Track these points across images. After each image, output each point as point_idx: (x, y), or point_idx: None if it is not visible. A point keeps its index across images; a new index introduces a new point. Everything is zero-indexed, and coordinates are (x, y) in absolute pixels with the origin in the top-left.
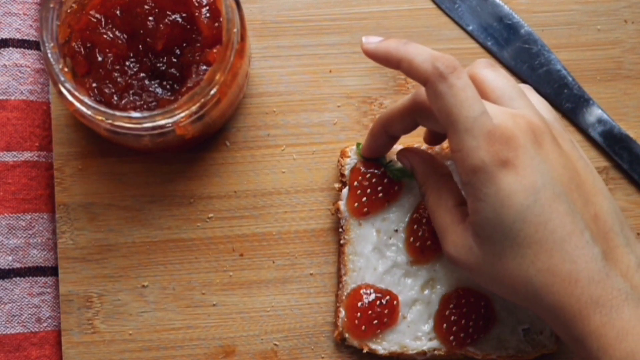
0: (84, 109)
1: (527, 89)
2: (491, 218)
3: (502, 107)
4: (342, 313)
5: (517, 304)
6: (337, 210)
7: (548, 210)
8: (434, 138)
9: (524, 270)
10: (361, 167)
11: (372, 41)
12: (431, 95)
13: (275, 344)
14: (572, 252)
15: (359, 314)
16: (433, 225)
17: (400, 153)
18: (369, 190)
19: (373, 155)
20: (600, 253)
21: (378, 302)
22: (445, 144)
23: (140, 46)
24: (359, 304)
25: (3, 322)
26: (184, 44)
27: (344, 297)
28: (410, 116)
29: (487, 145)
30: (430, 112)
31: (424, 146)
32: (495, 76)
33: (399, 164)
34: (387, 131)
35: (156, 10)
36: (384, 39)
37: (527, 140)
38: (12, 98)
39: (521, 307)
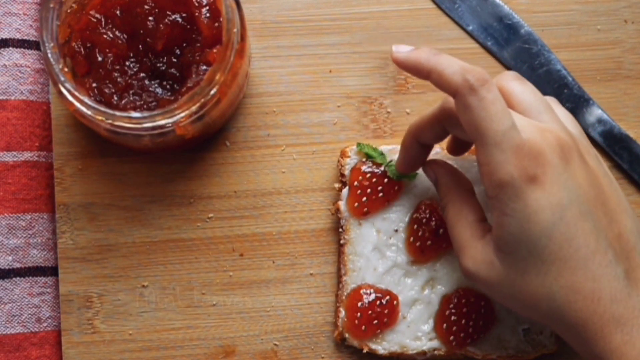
0: (84, 109)
1: (553, 102)
2: (516, 233)
3: (530, 120)
4: (342, 313)
5: (536, 321)
6: (337, 210)
7: (573, 229)
8: (457, 148)
9: (547, 286)
10: (361, 167)
11: (402, 50)
12: (460, 107)
13: (275, 344)
14: (595, 271)
15: (359, 314)
16: (451, 239)
17: (427, 164)
18: (369, 190)
19: (408, 169)
20: (623, 272)
21: (378, 302)
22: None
23: (140, 46)
24: (359, 304)
25: (3, 322)
26: (184, 44)
27: (344, 297)
28: (440, 123)
29: (515, 159)
30: (459, 120)
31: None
32: (523, 89)
33: None
34: (418, 141)
35: (156, 10)
36: (414, 49)
37: (555, 156)
38: (12, 98)
39: (540, 324)
